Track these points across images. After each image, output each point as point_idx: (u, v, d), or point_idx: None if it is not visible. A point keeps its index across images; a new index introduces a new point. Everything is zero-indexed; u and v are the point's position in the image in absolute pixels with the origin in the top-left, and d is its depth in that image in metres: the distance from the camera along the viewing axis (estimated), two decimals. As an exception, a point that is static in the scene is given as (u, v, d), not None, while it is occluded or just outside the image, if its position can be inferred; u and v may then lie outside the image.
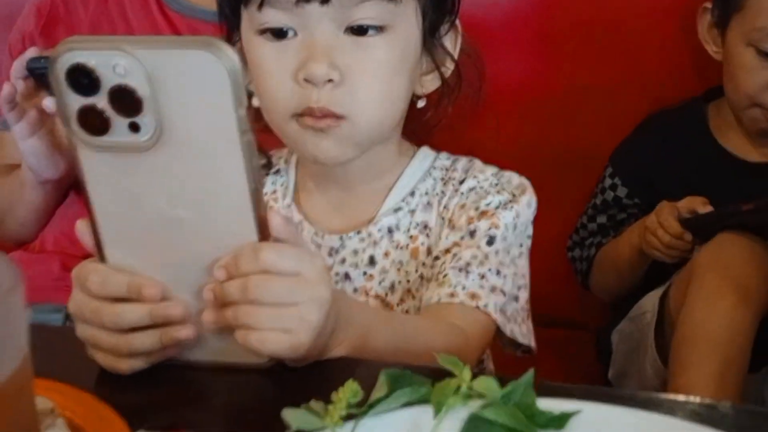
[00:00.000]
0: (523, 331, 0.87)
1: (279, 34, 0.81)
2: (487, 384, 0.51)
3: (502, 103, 1.51)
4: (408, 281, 0.89)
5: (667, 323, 1.23)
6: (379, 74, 0.82)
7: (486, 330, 0.83)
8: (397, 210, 0.91)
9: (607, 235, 1.42)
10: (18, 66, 1.05)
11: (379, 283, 0.89)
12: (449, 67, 0.91)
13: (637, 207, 1.40)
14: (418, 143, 0.96)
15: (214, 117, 0.54)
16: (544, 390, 0.53)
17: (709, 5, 1.33)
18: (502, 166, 0.94)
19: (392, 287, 0.89)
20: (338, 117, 0.80)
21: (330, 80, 0.79)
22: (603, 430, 0.50)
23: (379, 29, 0.81)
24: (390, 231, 0.90)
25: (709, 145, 1.36)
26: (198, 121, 0.55)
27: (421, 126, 0.93)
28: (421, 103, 0.90)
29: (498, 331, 0.85)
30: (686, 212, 1.23)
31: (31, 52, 1.05)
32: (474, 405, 0.51)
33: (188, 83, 0.54)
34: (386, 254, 0.89)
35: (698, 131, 1.36)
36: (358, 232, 0.90)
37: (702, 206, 1.23)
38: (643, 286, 1.37)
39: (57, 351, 0.65)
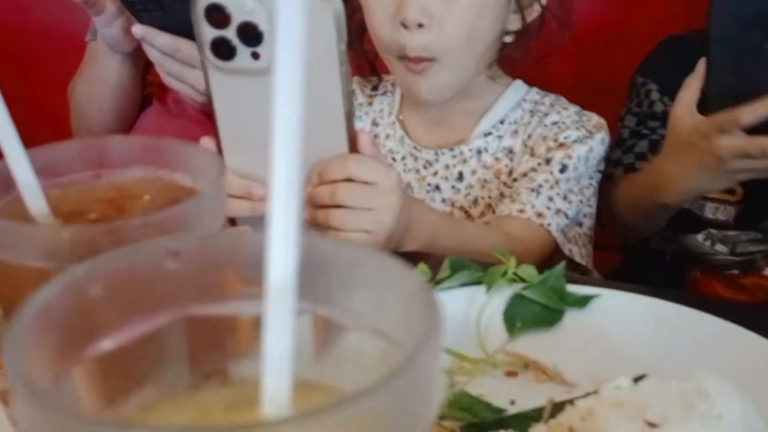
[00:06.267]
0: (582, 253, 0.98)
1: None
2: (528, 271, 0.65)
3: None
4: (490, 197, 1.01)
5: None
6: (464, 19, 0.93)
7: (544, 246, 0.95)
8: (487, 134, 1.03)
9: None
10: None
11: (465, 196, 1.02)
12: (537, 9, 1.01)
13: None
14: (508, 73, 1.07)
15: (320, 49, 0.67)
16: (573, 280, 0.67)
17: None
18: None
19: (475, 201, 1.02)
20: (429, 60, 0.93)
21: (421, 25, 0.91)
22: (618, 310, 0.63)
23: None
24: (479, 152, 1.03)
25: None
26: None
27: (508, 58, 1.04)
28: (508, 38, 1.01)
29: (558, 252, 0.96)
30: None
31: None
32: (517, 287, 0.65)
33: None
34: (473, 172, 1.02)
35: None
36: (451, 150, 1.03)
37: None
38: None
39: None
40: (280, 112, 0.23)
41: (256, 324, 0.26)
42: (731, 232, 1.08)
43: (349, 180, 0.73)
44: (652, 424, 0.47)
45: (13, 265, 0.41)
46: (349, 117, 0.70)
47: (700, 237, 1.10)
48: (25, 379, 0.20)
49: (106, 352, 0.26)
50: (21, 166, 0.43)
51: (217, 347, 0.28)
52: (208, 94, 0.71)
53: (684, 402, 0.50)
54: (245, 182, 0.74)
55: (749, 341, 0.58)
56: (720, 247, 1.09)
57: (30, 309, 0.23)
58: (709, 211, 1.09)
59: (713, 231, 1.10)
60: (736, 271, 1.10)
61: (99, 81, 1.27)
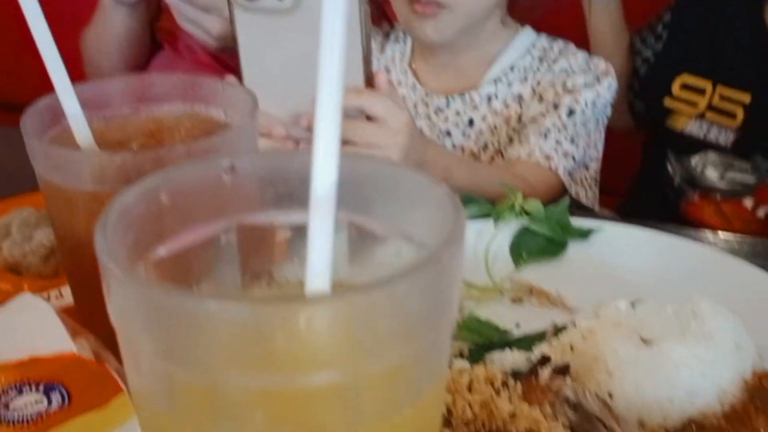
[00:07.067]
0: (588, 196, 1.01)
1: None
2: (534, 205, 0.69)
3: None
4: (499, 143, 1.04)
5: None
6: None
7: (552, 187, 0.98)
8: (497, 81, 1.06)
9: None
10: None
11: (475, 142, 1.05)
12: None
13: None
14: (518, 19, 1.09)
15: None
16: (578, 214, 0.71)
17: None
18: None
19: (485, 146, 1.05)
20: (440, 6, 0.96)
21: None
22: (619, 242, 0.68)
23: None
24: (489, 99, 1.05)
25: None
26: None
27: (518, 5, 1.06)
28: None
29: (565, 195, 0.98)
30: None
31: None
32: (523, 220, 0.69)
33: None
34: (483, 118, 1.05)
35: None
36: (462, 95, 1.06)
37: None
38: None
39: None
40: (326, 41, 0.26)
41: (299, 232, 0.30)
42: (725, 157, 1.14)
43: (361, 112, 0.76)
44: (646, 341, 0.52)
45: (66, 189, 0.45)
46: (367, 57, 0.73)
47: (693, 160, 1.16)
48: (117, 261, 0.25)
49: (171, 253, 0.30)
50: (69, 99, 0.46)
51: (264, 252, 0.32)
52: (232, 34, 0.74)
53: (678, 322, 0.54)
54: (267, 120, 0.77)
55: (742, 270, 0.62)
56: (710, 172, 1.15)
57: (112, 210, 0.27)
58: (713, 135, 1.15)
59: (709, 154, 1.15)
60: (718, 197, 1.15)
61: (106, 33, 1.28)
